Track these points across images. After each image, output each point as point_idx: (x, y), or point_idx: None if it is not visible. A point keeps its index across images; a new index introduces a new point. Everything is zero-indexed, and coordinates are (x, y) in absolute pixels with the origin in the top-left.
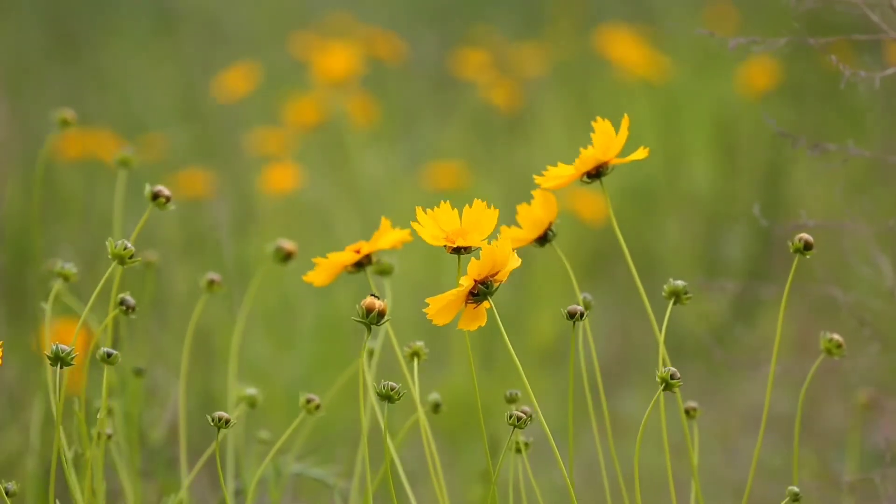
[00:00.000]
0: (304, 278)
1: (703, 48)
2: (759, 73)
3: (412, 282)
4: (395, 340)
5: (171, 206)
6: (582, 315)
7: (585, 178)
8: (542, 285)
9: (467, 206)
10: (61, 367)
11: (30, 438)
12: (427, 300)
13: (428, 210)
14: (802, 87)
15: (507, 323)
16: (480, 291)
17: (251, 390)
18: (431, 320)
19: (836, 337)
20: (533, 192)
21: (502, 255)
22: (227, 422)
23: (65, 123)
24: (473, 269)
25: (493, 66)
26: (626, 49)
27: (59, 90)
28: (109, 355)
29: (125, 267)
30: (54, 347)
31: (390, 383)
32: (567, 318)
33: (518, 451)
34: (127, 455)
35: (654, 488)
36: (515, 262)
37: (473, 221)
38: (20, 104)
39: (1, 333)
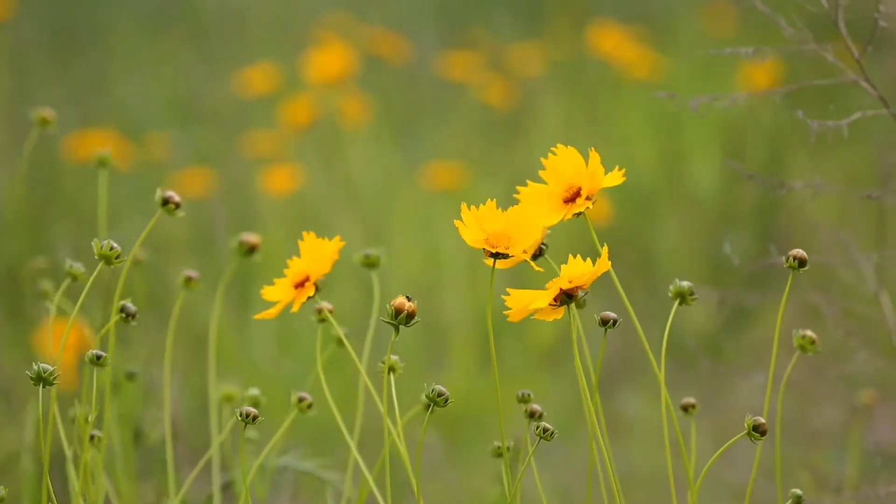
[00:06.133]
0: (256, 317)
1: (703, 48)
2: (760, 74)
3: (411, 282)
4: (349, 351)
5: (181, 213)
6: (615, 323)
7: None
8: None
9: (513, 207)
10: (44, 387)
11: (25, 439)
12: (508, 302)
13: (472, 207)
14: (804, 87)
15: (507, 323)
16: (562, 300)
17: (254, 390)
18: (508, 317)
19: (809, 333)
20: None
21: (587, 270)
22: (255, 418)
23: (44, 122)
24: (563, 280)
25: (493, 66)
26: (625, 49)
27: (60, 90)
28: (99, 358)
29: (112, 267)
30: (36, 368)
31: (439, 388)
32: (600, 325)
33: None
34: (121, 456)
35: (652, 488)
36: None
37: (515, 226)
38: (20, 104)
39: None
